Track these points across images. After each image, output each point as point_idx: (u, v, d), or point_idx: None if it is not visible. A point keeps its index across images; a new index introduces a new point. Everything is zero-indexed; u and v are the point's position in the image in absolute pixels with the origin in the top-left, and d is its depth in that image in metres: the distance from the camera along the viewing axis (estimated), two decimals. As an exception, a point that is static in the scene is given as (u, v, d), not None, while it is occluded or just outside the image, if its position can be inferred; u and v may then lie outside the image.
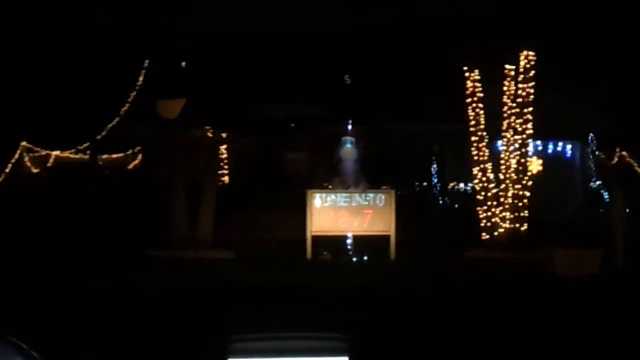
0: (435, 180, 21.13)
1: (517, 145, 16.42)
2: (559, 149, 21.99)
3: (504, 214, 16.26)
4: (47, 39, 16.21)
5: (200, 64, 15.57)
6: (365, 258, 15.18)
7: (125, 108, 26.20)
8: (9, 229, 16.43)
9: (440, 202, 20.22)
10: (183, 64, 15.37)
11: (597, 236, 14.73)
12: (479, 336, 7.88)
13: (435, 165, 21.50)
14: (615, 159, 21.97)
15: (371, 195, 15.54)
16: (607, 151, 22.18)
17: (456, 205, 19.17)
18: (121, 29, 15.15)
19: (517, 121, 16.37)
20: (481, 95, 16.69)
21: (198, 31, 15.14)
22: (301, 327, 4.46)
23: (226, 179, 19.21)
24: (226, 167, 18.92)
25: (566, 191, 20.55)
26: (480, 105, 16.76)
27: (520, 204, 16.22)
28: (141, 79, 18.91)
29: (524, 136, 16.43)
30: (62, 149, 29.55)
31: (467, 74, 16.65)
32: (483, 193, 16.62)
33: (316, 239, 15.31)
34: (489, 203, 16.45)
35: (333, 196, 15.54)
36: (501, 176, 16.56)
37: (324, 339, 4.32)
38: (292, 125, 20.33)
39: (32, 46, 18.02)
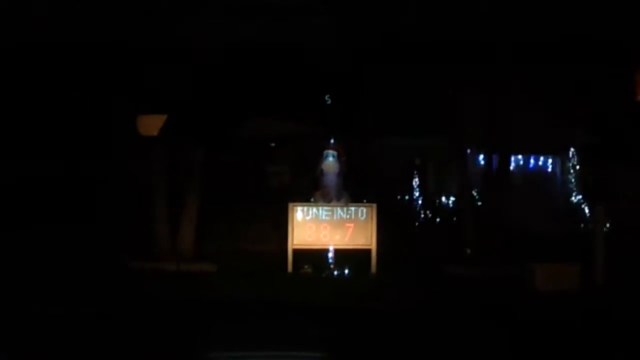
0: (417, 194, 21.13)
1: (496, 159, 16.48)
2: (540, 163, 22.03)
3: (483, 228, 16.29)
4: (29, 48, 16.13)
5: (182, 79, 15.56)
6: (347, 272, 15.19)
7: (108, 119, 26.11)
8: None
9: (422, 216, 20.20)
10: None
11: (578, 251, 14.79)
12: (461, 356, 7.89)
13: (417, 179, 21.50)
14: (597, 174, 22.03)
15: (353, 209, 15.59)
16: (589, 165, 22.23)
17: (437, 220, 19.17)
18: (103, 43, 15.11)
19: (496, 135, 16.42)
20: (462, 109, 16.74)
21: (182, 47, 15.12)
22: (280, 343, 4.45)
23: (209, 192, 19.16)
24: (209, 181, 18.87)
25: (547, 206, 20.60)
26: (461, 119, 16.81)
27: (500, 219, 16.25)
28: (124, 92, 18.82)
29: (503, 150, 16.50)
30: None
31: (448, 89, 16.71)
32: (464, 207, 16.65)
33: (297, 253, 15.33)
34: (469, 217, 16.49)
35: (315, 210, 15.58)
36: (482, 190, 16.62)
37: (303, 357, 4.32)
38: (273, 144, 20.32)
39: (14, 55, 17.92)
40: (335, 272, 15.21)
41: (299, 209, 15.57)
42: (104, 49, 15.25)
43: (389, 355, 6.54)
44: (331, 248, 15.41)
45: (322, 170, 15.97)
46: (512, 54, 15.97)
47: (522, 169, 20.43)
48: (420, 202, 20.45)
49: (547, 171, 21.17)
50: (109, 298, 12.21)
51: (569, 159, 20.85)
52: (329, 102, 19.00)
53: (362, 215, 15.55)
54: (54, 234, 16.85)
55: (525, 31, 15.59)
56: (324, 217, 15.55)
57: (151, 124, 13.17)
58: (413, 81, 17.41)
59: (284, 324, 5.88)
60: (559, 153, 21.33)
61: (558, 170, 21.23)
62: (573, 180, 20.26)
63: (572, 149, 21.02)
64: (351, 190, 15.99)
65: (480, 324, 10.53)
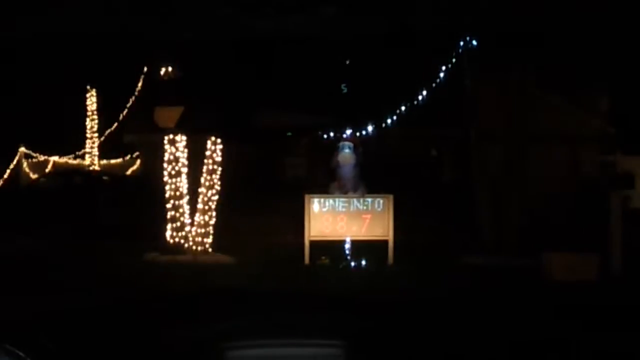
0: (434, 185, 21.15)
1: (514, 148, 16.46)
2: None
3: (501, 218, 16.27)
4: (45, 45, 16.20)
5: (198, 72, 15.60)
6: (364, 263, 15.18)
7: (124, 114, 26.24)
8: (7, 234, 16.42)
9: (439, 206, 20.22)
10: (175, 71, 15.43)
11: (595, 241, 14.73)
12: (478, 344, 7.84)
13: (433, 170, 21.55)
14: (614, 163, 21.96)
15: (369, 200, 15.56)
16: (606, 154, 22.16)
17: (454, 210, 19.16)
18: (120, 36, 15.16)
19: (514, 124, 16.38)
20: (479, 98, 16.71)
21: (195, 39, 15.15)
22: (298, 333, 4.46)
23: (225, 184, 19.21)
24: (225, 173, 18.92)
25: (564, 195, 20.57)
26: (479, 108, 16.78)
27: (517, 208, 16.23)
28: (140, 85, 18.91)
29: (521, 139, 16.47)
30: (61, 155, 29.59)
31: (465, 79, 16.68)
32: (481, 198, 16.64)
33: (314, 244, 15.32)
34: (486, 208, 16.47)
35: (331, 201, 15.56)
36: (498, 180, 16.59)
37: (321, 346, 4.32)
38: (289, 134, 20.38)
39: (30, 52, 18.02)
40: (353, 263, 15.20)
41: (316, 200, 15.55)
42: (117, 44, 15.31)
43: (406, 344, 6.53)
44: (348, 239, 15.41)
45: (338, 162, 15.97)
46: (532, 45, 15.93)
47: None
48: (436, 192, 20.41)
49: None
50: (128, 290, 12.26)
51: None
52: (345, 90, 19.02)
53: (378, 206, 15.52)
54: (70, 229, 16.98)
55: (546, 23, 15.54)
56: (340, 209, 15.51)
57: (167, 116, 13.23)
58: (427, 71, 17.39)
59: (301, 313, 5.88)
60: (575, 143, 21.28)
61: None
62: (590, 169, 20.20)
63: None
64: (367, 182, 15.98)
65: (497, 314, 10.50)
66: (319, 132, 18.65)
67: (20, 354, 4.14)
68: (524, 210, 16.46)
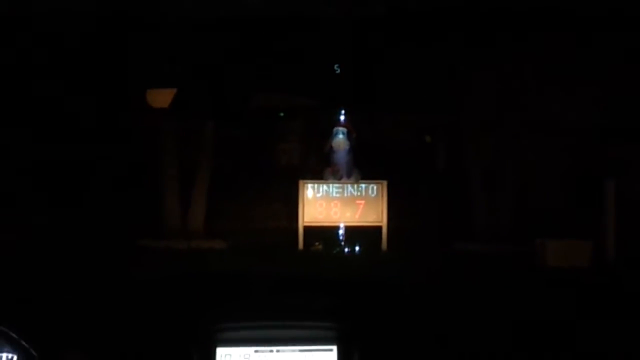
0: (428, 171, 21.12)
1: (508, 136, 16.45)
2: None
3: (495, 206, 16.28)
4: (31, 25, 16.06)
5: (189, 52, 15.52)
6: (357, 249, 15.22)
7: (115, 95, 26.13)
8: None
9: (433, 192, 20.19)
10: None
11: (588, 228, 14.76)
12: (469, 329, 7.87)
13: (427, 156, 21.48)
14: (608, 150, 21.94)
15: (363, 186, 15.59)
16: (600, 142, 22.14)
17: (449, 196, 19.15)
18: (110, 14, 15.05)
19: (510, 112, 16.38)
20: (475, 85, 16.68)
21: (187, 18, 15.04)
22: (292, 315, 4.45)
23: (217, 168, 19.17)
24: (217, 156, 18.88)
25: (557, 182, 20.56)
26: (475, 95, 16.74)
27: (511, 196, 16.24)
28: (131, 66, 18.76)
29: (516, 127, 16.46)
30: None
31: (460, 64, 16.64)
32: (475, 185, 16.63)
33: (308, 230, 15.34)
34: (481, 195, 16.47)
35: (325, 187, 15.59)
36: (494, 168, 16.59)
37: (313, 328, 4.31)
38: (282, 114, 20.32)
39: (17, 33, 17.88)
40: (346, 249, 15.24)
41: (310, 186, 15.59)
42: (108, 22, 15.18)
43: (399, 328, 6.55)
44: (342, 225, 15.44)
45: (331, 147, 15.97)
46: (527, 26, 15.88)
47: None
48: (431, 178, 20.38)
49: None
50: (119, 276, 12.24)
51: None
52: (338, 71, 18.95)
53: (372, 192, 15.56)
54: (62, 216, 16.91)
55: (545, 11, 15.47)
56: (334, 194, 15.56)
57: (161, 97, 13.19)
58: (423, 55, 17.33)
59: (294, 296, 5.89)
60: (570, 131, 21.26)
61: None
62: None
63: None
64: (361, 167, 15.98)
65: (490, 298, 10.53)
66: (313, 117, 18.64)
67: (13, 334, 4.11)
68: (517, 197, 16.46)
